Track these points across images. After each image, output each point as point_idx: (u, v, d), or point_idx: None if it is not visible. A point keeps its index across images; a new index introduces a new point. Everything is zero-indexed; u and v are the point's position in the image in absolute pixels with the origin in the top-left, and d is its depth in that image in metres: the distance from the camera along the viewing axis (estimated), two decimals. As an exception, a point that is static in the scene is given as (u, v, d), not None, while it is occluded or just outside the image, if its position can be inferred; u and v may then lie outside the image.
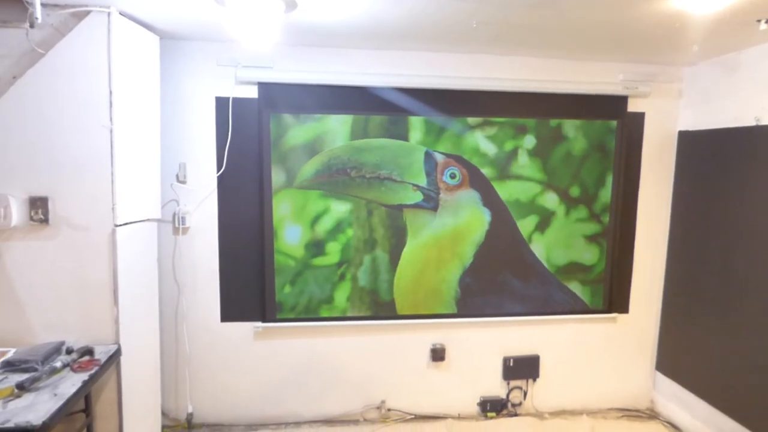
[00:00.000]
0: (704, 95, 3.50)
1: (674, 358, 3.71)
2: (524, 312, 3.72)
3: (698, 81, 3.56)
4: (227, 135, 3.30)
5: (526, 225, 3.64)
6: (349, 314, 3.57)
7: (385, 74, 3.37)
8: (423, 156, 3.44)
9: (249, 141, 3.34)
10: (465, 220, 3.54)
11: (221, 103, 3.29)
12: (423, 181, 3.45)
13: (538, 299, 3.73)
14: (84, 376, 2.20)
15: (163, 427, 3.36)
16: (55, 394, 2.03)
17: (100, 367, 2.31)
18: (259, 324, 3.48)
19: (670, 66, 3.63)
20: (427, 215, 3.50)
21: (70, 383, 2.13)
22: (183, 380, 3.46)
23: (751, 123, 3.06)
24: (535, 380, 3.82)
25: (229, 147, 3.31)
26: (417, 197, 3.46)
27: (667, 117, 3.70)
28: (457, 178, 3.47)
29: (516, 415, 3.80)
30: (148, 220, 2.91)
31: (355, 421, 3.65)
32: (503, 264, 3.65)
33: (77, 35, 2.36)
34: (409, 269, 3.56)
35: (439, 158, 3.46)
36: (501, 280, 3.66)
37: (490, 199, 3.55)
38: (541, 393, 3.85)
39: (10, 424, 1.82)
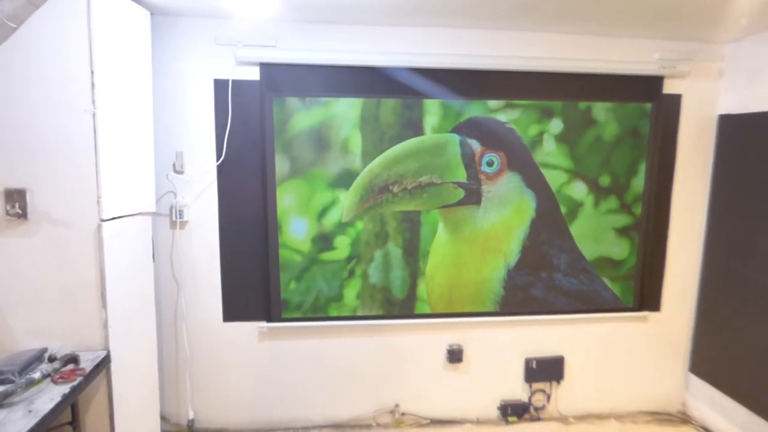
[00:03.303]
0: (748, 75, 3.21)
1: (710, 360, 3.49)
2: (571, 310, 3.49)
3: (742, 59, 3.26)
4: (227, 121, 3.05)
5: (551, 217, 3.37)
6: (359, 313, 3.34)
7: (397, 53, 3.11)
8: (459, 148, 3.16)
9: (251, 127, 3.09)
10: (511, 210, 3.28)
11: (220, 85, 3.04)
12: (463, 176, 3.19)
13: (585, 296, 3.48)
14: (65, 388, 1.98)
15: (163, 433, 3.16)
16: (30, 411, 1.81)
17: (85, 378, 2.09)
18: (264, 324, 3.26)
19: (711, 43, 3.32)
20: (469, 210, 3.25)
21: (48, 397, 1.91)
22: (183, 384, 3.26)
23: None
24: (559, 383, 3.59)
25: (229, 134, 3.07)
26: (458, 195, 3.21)
27: (707, 99, 3.41)
28: (495, 164, 3.21)
29: (539, 419, 3.57)
30: (140, 213, 2.67)
31: (368, 426, 3.44)
32: (549, 257, 3.40)
33: (53, 7, 2.10)
34: (443, 268, 3.31)
35: (476, 146, 3.18)
36: (546, 276, 3.41)
37: (532, 179, 3.29)
38: (565, 396, 3.61)
39: (-26, 449, 1.60)
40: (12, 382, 1.94)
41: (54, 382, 2.02)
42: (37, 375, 1.98)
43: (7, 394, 1.84)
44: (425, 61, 3.12)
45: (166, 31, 2.94)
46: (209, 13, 2.88)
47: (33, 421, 1.75)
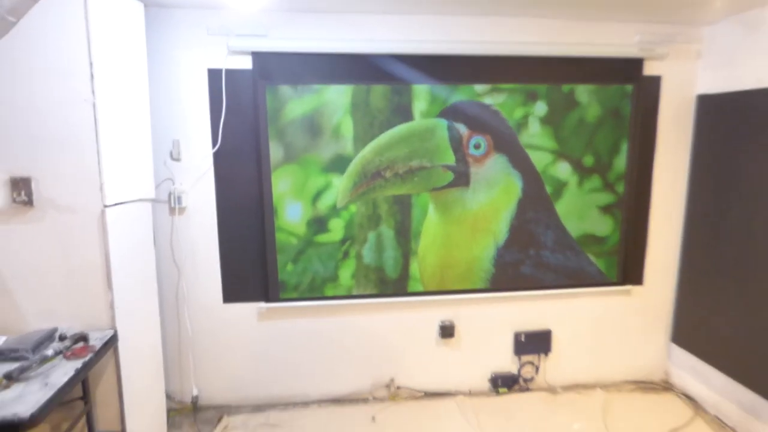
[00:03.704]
0: (725, 56, 3.30)
1: (690, 330, 3.63)
2: (558, 285, 3.64)
3: (718, 41, 3.35)
4: (221, 109, 3.15)
5: (537, 196, 3.50)
6: (354, 292, 3.47)
7: (386, 40, 3.19)
8: (446, 132, 3.28)
9: (245, 115, 3.19)
10: (498, 191, 3.41)
11: (214, 75, 3.12)
12: (452, 159, 3.30)
13: (571, 271, 3.63)
14: (77, 363, 2.10)
15: (169, 410, 3.29)
16: (46, 384, 1.94)
17: (95, 354, 2.21)
18: (263, 304, 3.39)
19: (689, 26, 3.41)
20: (458, 192, 3.37)
21: (62, 372, 2.04)
22: (187, 363, 3.39)
23: (777, 83, 2.88)
24: (547, 355, 3.74)
25: (224, 122, 3.16)
26: (448, 178, 3.32)
27: (685, 80, 3.51)
28: (482, 147, 3.32)
29: (528, 390, 3.72)
30: (141, 200, 2.78)
31: (364, 400, 3.58)
32: (536, 236, 3.53)
33: (51, 1, 2.18)
34: (434, 248, 3.45)
35: (463, 130, 3.29)
36: (534, 253, 3.56)
37: (519, 160, 3.41)
38: (553, 368, 3.77)
39: (-3, 418, 1.73)
40: (26, 359, 2.07)
41: (66, 358, 2.14)
42: (50, 352, 2.10)
43: (23, 369, 1.97)
44: (413, 47, 3.20)
45: (160, 22, 3.01)
46: (201, 4, 2.95)
47: (50, 392, 1.88)
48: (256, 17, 3.08)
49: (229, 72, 3.12)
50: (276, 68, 3.15)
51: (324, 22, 3.14)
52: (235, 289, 3.37)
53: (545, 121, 3.40)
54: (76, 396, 2.35)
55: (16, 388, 1.90)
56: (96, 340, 2.31)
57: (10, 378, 1.91)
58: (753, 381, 3.09)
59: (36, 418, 1.75)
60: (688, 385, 3.67)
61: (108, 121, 2.38)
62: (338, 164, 3.28)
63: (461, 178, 3.35)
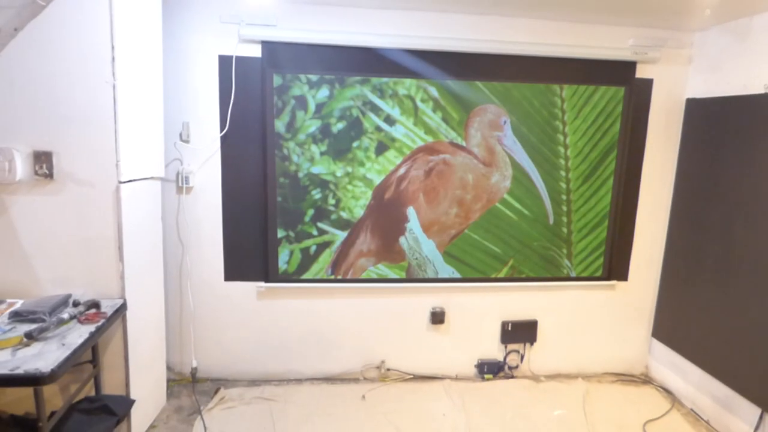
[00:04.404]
0: (714, 62, 3.44)
1: (671, 326, 3.75)
2: (545, 278, 3.79)
3: (708, 47, 3.49)
4: (230, 94, 3.28)
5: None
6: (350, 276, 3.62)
7: (390, 35, 3.31)
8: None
9: (252, 101, 3.32)
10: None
11: (224, 61, 3.26)
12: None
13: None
14: (91, 327, 2.26)
15: (169, 380, 3.45)
16: (63, 344, 2.09)
17: (107, 320, 2.36)
18: (262, 284, 3.53)
19: (681, 31, 3.55)
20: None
21: (77, 334, 2.19)
22: (187, 336, 3.54)
23: (761, 91, 3.02)
24: (532, 344, 3.89)
25: (232, 107, 3.29)
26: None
27: (676, 84, 3.64)
28: None
29: (512, 377, 3.87)
30: (152, 178, 2.92)
31: (356, 380, 3.74)
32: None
33: (78, -13, 2.33)
34: None
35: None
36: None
37: None
38: (537, 357, 3.92)
39: (20, 371, 1.87)
40: (44, 320, 2.22)
41: (80, 322, 2.29)
42: (65, 315, 2.26)
43: (42, 330, 2.12)
44: (416, 43, 3.32)
45: (175, 8, 3.14)
46: (215, -8, 3.08)
47: (67, 352, 2.03)
48: (267, 7, 3.20)
49: (239, 59, 3.25)
50: (284, 57, 3.28)
51: (333, 16, 3.27)
52: (237, 268, 3.52)
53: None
54: (86, 359, 2.50)
55: (36, 347, 2.06)
56: (107, 308, 2.46)
57: (30, 337, 2.06)
58: (728, 377, 3.21)
59: (55, 374, 1.90)
60: (667, 378, 3.82)
61: (126, 102, 2.52)
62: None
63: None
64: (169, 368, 3.49)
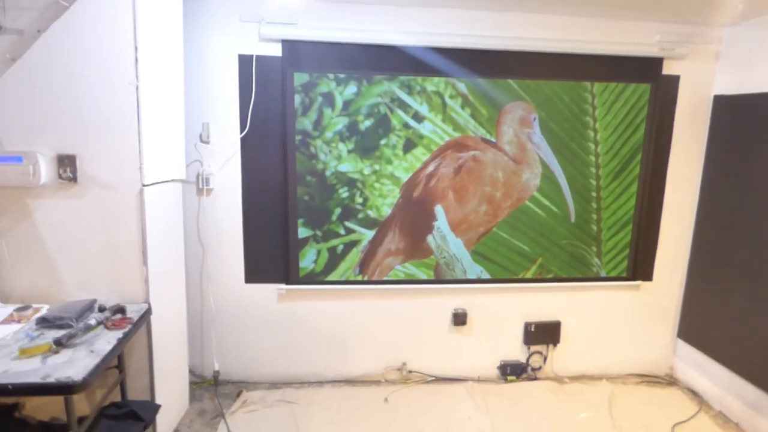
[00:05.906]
0: (743, 58, 3.36)
1: (698, 326, 3.69)
2: (569, 278, 3.74)
3: (738, 43, 3.40)
4: (251, 95, 3.24)
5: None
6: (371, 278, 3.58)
7: (411, 32, 3.25)
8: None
9: (273, 101, 3.28)
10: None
11: (244, 61, 3.21)
12: None
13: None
14: (118, 333, 2.22)
15: (191, 383, 3.43)
16: (92, 351, 2.06)
17: (133, 326, 2.33)
18: (283, 286, 3.50)
19: (709, 26, 3.46)
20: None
21: (105, 340, 2.16)
22: (209, 339, 3.52)
23: (794, 87, 2.95)
24: (555, 346, 3.84)
25: (252, 107, 3.25)
26: None
27: (703, 80, 3.56)
28: None
29: (535, 379, 3.83)
30: (173, 180, 2.88)
31: (377, 382, 3.70)
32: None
33: (102, -12, 2.29)
34: None
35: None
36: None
37: None
38: (561, 358, 3.87)
39: (52, 380, 1.84)
40: (71, 326, 2.19)
41: (107, 328, 2.26)
42: (92, 321, 2.22)
43: (71, 336, 2.08)
44: (441, 40, 3.27)
45: (195, 8, 3.10)
46: (235, -9, 3.04)
47: (97, 359, 2.00)
48: (286, 5, 3.15)
49: (259, 58, 3.21)
50: (305, 56, 3.23)
51: (354, 13, 3.21)
52: (257, 270, 3.48)
53: (564, 117, 3.48)
54: (112, 365, 2.47)
55: (65, 354, 2.02)
56: (132, 312, 2.43)
57: (60, 344, 2.03)
58: (758, 377, 3.15)
59: (87, 382, 1.87)
60: (692, 380, 3.76)
61: (148, 104, 2.48)
62: (361, 152, 3.39)
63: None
64: (190, 371, 3.46)
